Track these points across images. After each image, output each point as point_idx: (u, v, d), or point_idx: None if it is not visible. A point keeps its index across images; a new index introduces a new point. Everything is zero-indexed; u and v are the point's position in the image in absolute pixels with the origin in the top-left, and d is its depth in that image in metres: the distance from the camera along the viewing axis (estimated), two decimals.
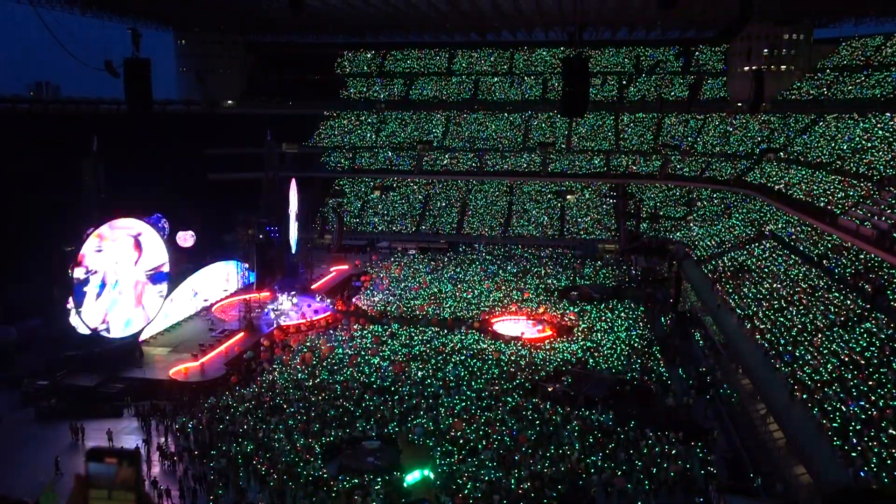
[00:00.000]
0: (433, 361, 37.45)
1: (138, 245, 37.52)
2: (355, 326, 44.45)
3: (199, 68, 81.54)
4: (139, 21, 65.84)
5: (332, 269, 58.30)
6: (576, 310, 47.44)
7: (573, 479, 24.78)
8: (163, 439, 28.76)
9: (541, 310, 47.27)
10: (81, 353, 34.96)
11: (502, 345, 41.15)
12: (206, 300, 46.90)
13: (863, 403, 25.50)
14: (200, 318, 45.37)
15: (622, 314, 46.75)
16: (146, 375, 35.20)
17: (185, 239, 48.79)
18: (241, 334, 41.32)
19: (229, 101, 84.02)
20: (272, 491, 23.89)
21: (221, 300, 48.27)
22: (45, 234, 40.32)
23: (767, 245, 49.07)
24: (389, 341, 41.41)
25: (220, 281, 48.60)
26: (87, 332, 34.47)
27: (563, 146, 76.13)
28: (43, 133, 57.50)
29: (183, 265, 45.79)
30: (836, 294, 36.11)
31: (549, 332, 43.75)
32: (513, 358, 38.33)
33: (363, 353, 38.99)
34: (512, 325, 45.03)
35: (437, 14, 69.52)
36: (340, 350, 39.72)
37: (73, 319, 34.18)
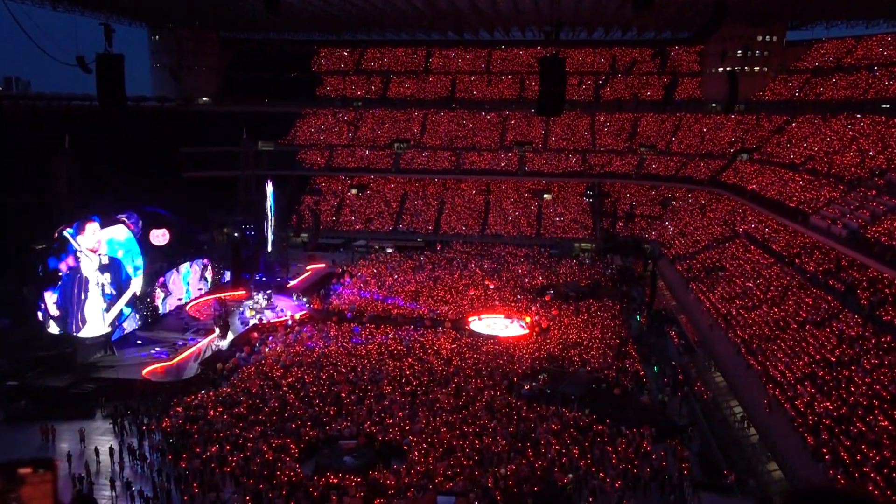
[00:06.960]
0: (410, 360, 37.43)
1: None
2: (331, 325, 44.28)
3: (174, 65, 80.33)
4: (112, 16, 64.70)
5: (308, 268, 57.95)
6: (552, 308, 47.68)
7: (549, 477, 24.88)
8: (135, 440, 28.41)
9: (518, 309, 47.43)
10: (52, 353, 34.37)
11: (479, 343, 41.22)
12: (179, 299, 46.38)
13: (834, 400, 25.93)
14: (174, 317, 44.84)
15: (598, 313, 47.05)
16: (119, 375, 34.74)
17: (159, 237, 48.14)
18: (216, 333, 40.92)
19: (204, 99, 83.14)
20: (247, 491, 23.67)
21: (195, 299, 47.76)
22: (14, 233, 39.60)
23: (741, 244, 49.68)
24: (366, 339, 41.35)
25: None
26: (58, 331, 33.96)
27: (540, 145, 76.41)
28: (13, 130, 56.48)
29: (157, 263, 45.21)
30: (808, 293, 36.69)
31: (525, 331, 43.89)
32: (489, 356, 38.41)
33: (340, 351, 38.89)
34: (489, 324, 45.08)
35: (414, 12, 69.34)
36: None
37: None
